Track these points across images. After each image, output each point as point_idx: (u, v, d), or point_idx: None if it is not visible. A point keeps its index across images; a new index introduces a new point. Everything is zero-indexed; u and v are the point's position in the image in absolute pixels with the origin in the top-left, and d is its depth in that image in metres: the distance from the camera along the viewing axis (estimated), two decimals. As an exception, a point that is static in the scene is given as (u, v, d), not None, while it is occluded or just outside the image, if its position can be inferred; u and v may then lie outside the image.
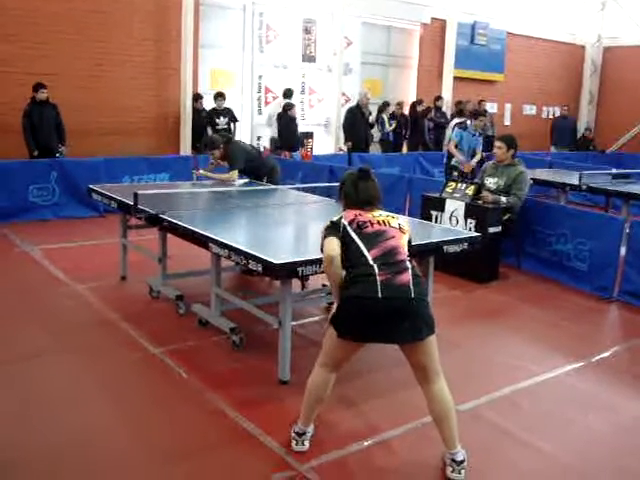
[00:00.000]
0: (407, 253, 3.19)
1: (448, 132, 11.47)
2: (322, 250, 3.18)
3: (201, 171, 7.17)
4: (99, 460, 3.22)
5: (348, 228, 3.15)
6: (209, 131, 10.76)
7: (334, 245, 3.10)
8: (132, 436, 3.49)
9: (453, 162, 9.69)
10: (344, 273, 3.13)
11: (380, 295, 3.00)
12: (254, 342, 4.65)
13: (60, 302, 5.45)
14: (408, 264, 3.14)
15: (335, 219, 3.23)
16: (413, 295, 3.04)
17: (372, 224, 3.17)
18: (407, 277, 3.08)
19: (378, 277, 3.03)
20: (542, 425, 3.76)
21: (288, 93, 12.04)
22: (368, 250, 3.10)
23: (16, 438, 3.37)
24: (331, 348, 3.21)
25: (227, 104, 11.28)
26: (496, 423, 3.74)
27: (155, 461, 3.25)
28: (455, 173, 9.41)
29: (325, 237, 3.18)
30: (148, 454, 3.31)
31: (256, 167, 6.87)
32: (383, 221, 3.21)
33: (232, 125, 11.35)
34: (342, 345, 3.15)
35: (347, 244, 3.12)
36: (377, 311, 3.02)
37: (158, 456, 3.29)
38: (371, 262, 3.07)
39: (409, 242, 3.28)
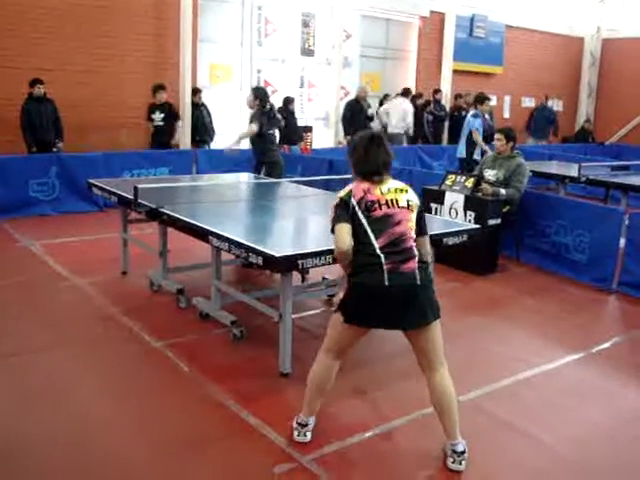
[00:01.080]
0: (414, 237, 3.18)
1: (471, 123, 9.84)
2: (332, 231, 3.15)
3: (226, 147, 7.63)
4: (98, 451, 3.24)
5: (357, 208, 3.13)
6: (149, 125, 10.24)
7: (346, 235, 3.08)
8: (132, 428, 3.50)
9: (475, 156, 9.41)
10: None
11: (387, 283, 3.04)
12: (255, 335, 4.66)
13: (61, 296, 5.47)
14: (415, 251, 3.15)
15: (343, 194, 3.19)
16: (419, 281, 3.09)
17: (380, 205, 3.14)
18: (413, 264, 3.11)
19: (385, 266, 3.06)
20: (542, 416, 3.78)
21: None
22: (376, 238, 3.10)
23: (17, 428, 3.39)
24: (336, 334, 3.23)
25: (226, 100, 11.07)
26: (496, 414, 3.76)
27: (156, 453, 3.26)
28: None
29: (335, 222, 3.13)
30: (149, 446, 3.33)
31: (260, 150, 6.78)
32: (392, 200, 3.18)
33: (171, 123, 10.15)
34: (348, 330, 3.18)
35: (356, 226, 3.12)
36: (384, 298, 3.06)
37: (159, 448, 3.30)
38: (378, 252, 3.08)
39: (420, 217, 3.28)
